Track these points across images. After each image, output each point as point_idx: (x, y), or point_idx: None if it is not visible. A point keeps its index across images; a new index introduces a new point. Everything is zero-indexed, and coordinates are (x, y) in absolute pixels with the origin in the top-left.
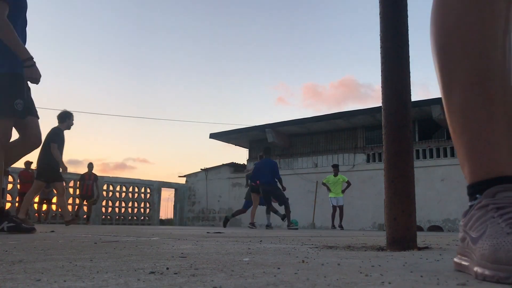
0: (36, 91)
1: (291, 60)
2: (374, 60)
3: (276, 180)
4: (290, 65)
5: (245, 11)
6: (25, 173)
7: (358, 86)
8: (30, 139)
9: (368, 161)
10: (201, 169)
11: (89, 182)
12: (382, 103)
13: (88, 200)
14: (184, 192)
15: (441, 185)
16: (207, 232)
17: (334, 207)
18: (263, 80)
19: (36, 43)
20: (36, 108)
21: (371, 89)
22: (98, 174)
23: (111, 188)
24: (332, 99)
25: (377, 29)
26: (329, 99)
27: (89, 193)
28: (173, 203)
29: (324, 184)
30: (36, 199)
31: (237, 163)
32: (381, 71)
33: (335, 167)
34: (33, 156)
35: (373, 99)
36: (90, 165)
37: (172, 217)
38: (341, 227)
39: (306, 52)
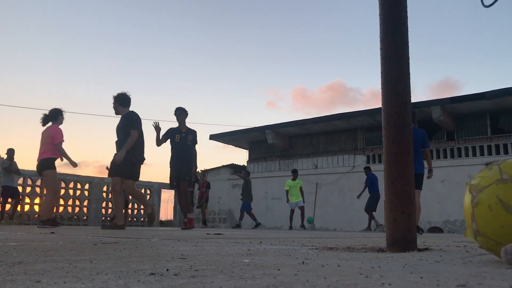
0: (35, 92)
1: (281, 64)
2: (363, 64)
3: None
4: (279, 69)
5: (241, 14)
6: None
7: (346, 90)
8: None
9: (368, 162)
10: (200, 170)
11: (202, 190)
12: (382, 104)
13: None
14: None
15: (441, 186)
16: (207, 234)
17: (292, 210)
18: (255, 84)
19: (36, 43)
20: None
21: (360, 93)
22: (95, 175)
23: (110, 189)
24: (321, 103)
25: (368, 33)
26: (318, 103)
27: (202, 199)
28: (173, 205)
29: (287, 191)
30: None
31: (237, 165)
32: (381, 72)
33: (295, 172)
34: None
35: (362, 103)
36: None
37: (172, 218)
38: (303, 227)
39: (295, 56)
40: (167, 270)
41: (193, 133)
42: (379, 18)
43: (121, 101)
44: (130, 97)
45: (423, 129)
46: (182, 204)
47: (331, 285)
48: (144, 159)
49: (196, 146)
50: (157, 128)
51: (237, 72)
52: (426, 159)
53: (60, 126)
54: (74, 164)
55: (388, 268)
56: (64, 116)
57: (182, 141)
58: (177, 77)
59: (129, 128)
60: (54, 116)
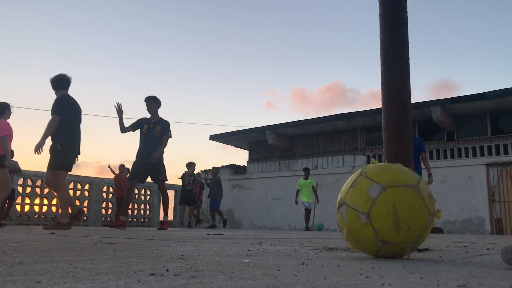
0: (35, 92)
1: (279, 65)
2: (362, 65)
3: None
4: (278, 70)
5: (240, 15)
6: (120, 176)
7: (345, 91)
8: None
9: (368, 162)
10: (201, 170)
11: (196, 190)
12: (382, 104)
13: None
14: None
15: (441, 187)
16: (207, 234)
17: (307, 210)
18: (254, 84)
19: (38, 44)
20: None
21: (358, 94)
22: (95, 176)
23: (111, 189)
24: (320, 103)
25: (367, 34)
26: (317, 103)
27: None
28: (173, 205)
29: (297, 190)
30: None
31: (237, 165)
32: (381, 72)
33: (306, 170)
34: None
35: (360, 103)
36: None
37: (172, 218)
38: (307, 229)
39: (294, 57)
40: (167, 270)
41: (163, 124)
42: (379, 18)
43: (54, 84)
44: (66, 78)
45: (420, 136)
46: (164, 203)
47: (331, 286)
48: (75, 147)
49: (170, 139)
50: (119, 111)
51: (236, 72)
52: (424, 163)
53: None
54: (12, 167)
55: (388, 268)
56: (11, 110)
57: (148, 132)
58: (176, 77)
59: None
60: (1, 111)
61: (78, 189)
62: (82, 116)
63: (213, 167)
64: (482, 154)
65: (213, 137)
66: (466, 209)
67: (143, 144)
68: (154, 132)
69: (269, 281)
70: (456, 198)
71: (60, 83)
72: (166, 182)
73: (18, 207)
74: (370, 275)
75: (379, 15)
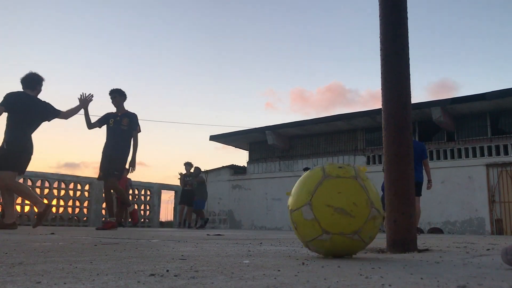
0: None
1: (279, 66)
2: (361, 65)
3: None
4: (277, 70)
5: (239, 16)
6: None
7: (344, 91)
8: None
9: (368, 163)
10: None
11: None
12: (382, 104)
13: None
14: None
15: (441, 187)
16: (207, 234)
17: None
18: (253, 85)
19: (37, 42)
20: None
21: (358, 95)
22: (95, 176)
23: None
24: (319, 104)
25: (366, 34)
26: (316, 104)
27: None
28: (173, 205)
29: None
30: None
31: (237, 165)
32: (381, 73)
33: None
34: None
35: (360, 104)
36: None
37: (172, 219)
38: None
39: (293, 58)
40: (167, 271)
41: (130, 116)
42: (379, 19)
43: (21, 84)
44: (31, 77)
45: (420, 136)
46: (108, 202)
47: (332, 286)
48: (26, 144)
49: (139, 134)
50: (85, 101)
51: (236, 73)
52: (425, 169)
53: None
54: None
55: (388, 269)
56: None
57: (115, 125)
58: (176, 77)
59: None
60: None
61: (78, 190)
62: (81, 117)
63: (196, 167)
64: (482, 155)
65: (213, 138)
66: (466, 209)
67: (110, 137)
68: (121, 125)
69: (269, 281)
70: (456, 198)
71: (24, 82)
72: (167, 183)
73: (18, 208)
74: (370, 275)
75: (379, 15)
